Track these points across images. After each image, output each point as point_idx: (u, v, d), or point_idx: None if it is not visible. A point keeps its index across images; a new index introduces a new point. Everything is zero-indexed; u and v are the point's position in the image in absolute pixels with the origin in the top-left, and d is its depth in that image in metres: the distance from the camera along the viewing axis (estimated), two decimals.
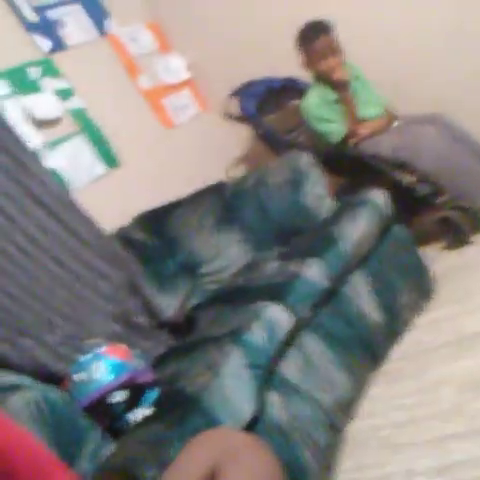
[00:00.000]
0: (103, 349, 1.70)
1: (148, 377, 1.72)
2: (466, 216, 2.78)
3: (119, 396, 1.62)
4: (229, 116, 3.25)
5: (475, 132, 2.95)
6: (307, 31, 2.91)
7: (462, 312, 2.31)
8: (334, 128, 2.96)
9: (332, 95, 2.98)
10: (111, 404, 1.61)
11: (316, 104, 2.98)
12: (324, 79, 2.97)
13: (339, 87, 2.94)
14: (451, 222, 2.80)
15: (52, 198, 2.15)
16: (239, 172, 3.49)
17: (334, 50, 2.90)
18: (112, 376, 1.62)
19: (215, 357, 1.73)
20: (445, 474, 1.61)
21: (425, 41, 3.11)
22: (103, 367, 1.64)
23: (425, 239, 2.91)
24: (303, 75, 3.16)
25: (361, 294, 2.25)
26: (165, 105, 3.40)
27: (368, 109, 3.02)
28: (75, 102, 2.87)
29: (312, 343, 2.01)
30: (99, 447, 1.50)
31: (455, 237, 2.82)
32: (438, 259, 2.76)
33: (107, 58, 3.19)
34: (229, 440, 1.11)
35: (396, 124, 3.07)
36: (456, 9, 3.00)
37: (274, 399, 1.77)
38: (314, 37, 2.88)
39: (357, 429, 1.98)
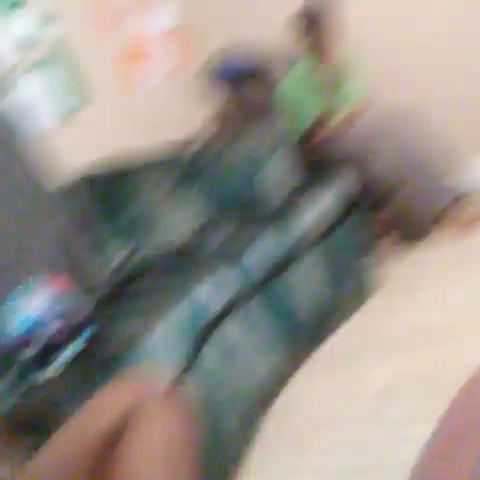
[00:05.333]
0: (42, 280, 1.65)
1: (83, 314, 1.68)
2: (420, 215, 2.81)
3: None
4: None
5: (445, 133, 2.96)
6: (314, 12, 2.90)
7: (403, 307, 2.34)
8: (305, 112, 2.95)
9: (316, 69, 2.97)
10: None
11: (292, 85, 2.98)
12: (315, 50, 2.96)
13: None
14: (405, 219, 2.84)
15: None
16: (209, 133, 3.43)
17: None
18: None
19: (155, 306, 1.71)
20: None
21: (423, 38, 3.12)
22: (38, 300, 1.60)
23: (377, 233, 2.93)
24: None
25: (312, 272, 2.25)
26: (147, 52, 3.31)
27: (345, 104, 3.02)
28: (56, 29, 2.76)
29: (255, 310, 2.01)
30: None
31: (407, 234, 2.86)
32: (387, 254, 2.79)
33: None
34: (142, 397, 1.04)
35: (366, 115, 3.06)
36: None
37: (212, 355, 1.76)
38: (322, 21, 2.88)
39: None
